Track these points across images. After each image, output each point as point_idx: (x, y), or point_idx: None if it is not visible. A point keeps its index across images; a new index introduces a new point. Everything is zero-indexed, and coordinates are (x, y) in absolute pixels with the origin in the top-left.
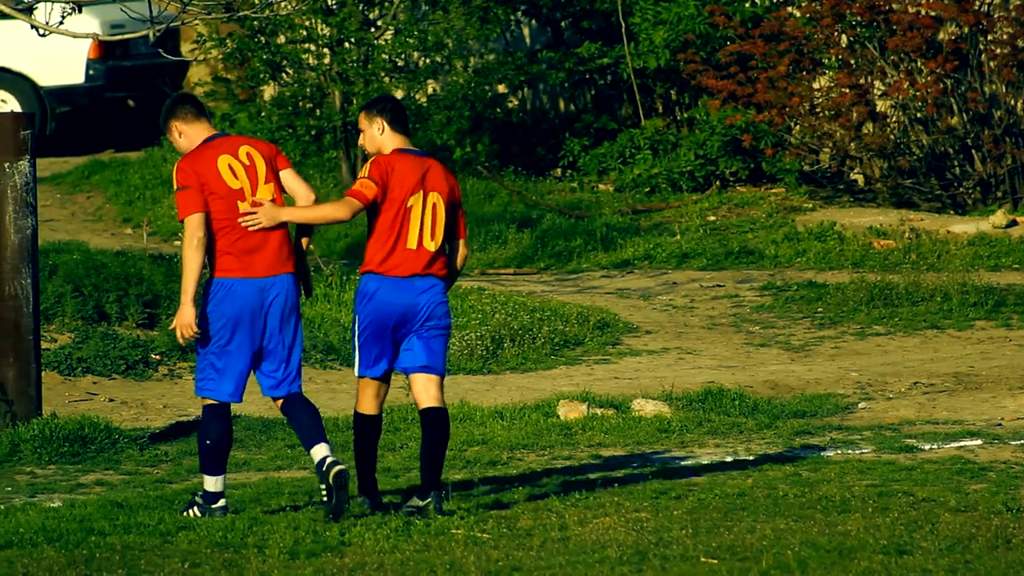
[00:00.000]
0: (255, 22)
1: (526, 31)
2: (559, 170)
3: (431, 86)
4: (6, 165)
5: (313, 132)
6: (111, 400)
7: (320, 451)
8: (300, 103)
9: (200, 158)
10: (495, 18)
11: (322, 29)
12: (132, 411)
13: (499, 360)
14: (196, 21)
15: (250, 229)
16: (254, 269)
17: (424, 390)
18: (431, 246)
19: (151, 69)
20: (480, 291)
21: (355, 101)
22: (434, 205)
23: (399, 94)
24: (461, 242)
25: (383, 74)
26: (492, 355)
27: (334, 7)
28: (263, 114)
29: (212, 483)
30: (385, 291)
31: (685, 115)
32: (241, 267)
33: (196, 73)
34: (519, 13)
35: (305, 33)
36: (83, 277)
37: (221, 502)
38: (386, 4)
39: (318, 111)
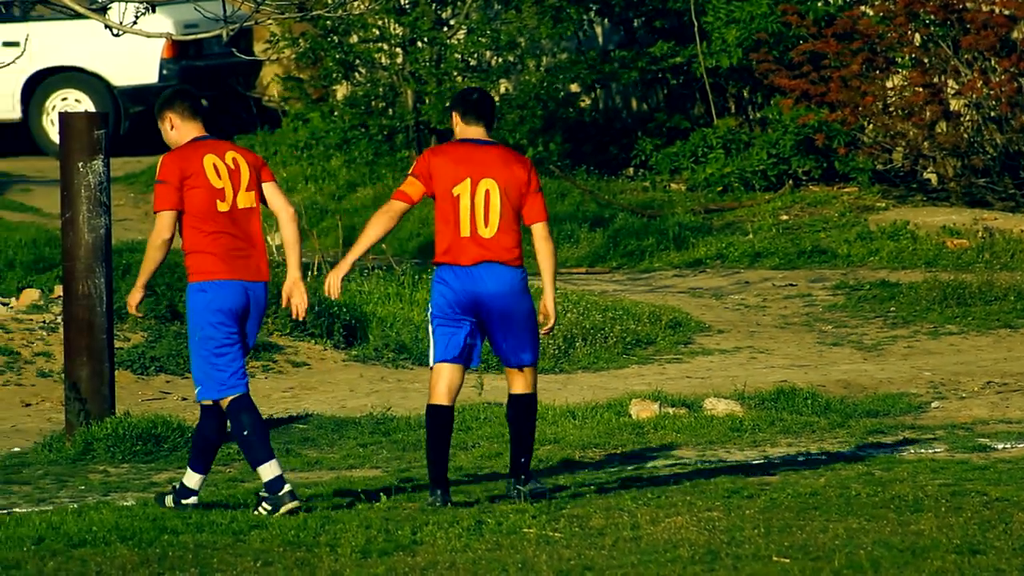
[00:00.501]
0: (328, 21)
1: (598, 30)
2: (631, 169)
3: (503, 85)
4: (80, 164)
5: (385, 132)
6: (183, 399)
7: (269, 471)
8: (373, 102)
9: (186, 154)
10: (568, 17)
11: (395, 28)
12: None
13: (571, 359)
14: (269, 21)
15: (333, 297)
16: (238, 272)
17: (509, 377)
18: (486, 233)
19: (224, 69)
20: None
21: (427, 100)
22: (487, 192)
23: None
24: (535, 228)
25: (455, 73)
26: (564, 354)
27: (407, 6)
28: (336, 113)
29: (195, 480)
30: (449, 280)
31: (758, 114)
32: (227, 269)
33: (269, 72)
34: (592, 12)
35: (378, 32)
36: (156, 276)
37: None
38: (459, 3)
39: (391, 110)
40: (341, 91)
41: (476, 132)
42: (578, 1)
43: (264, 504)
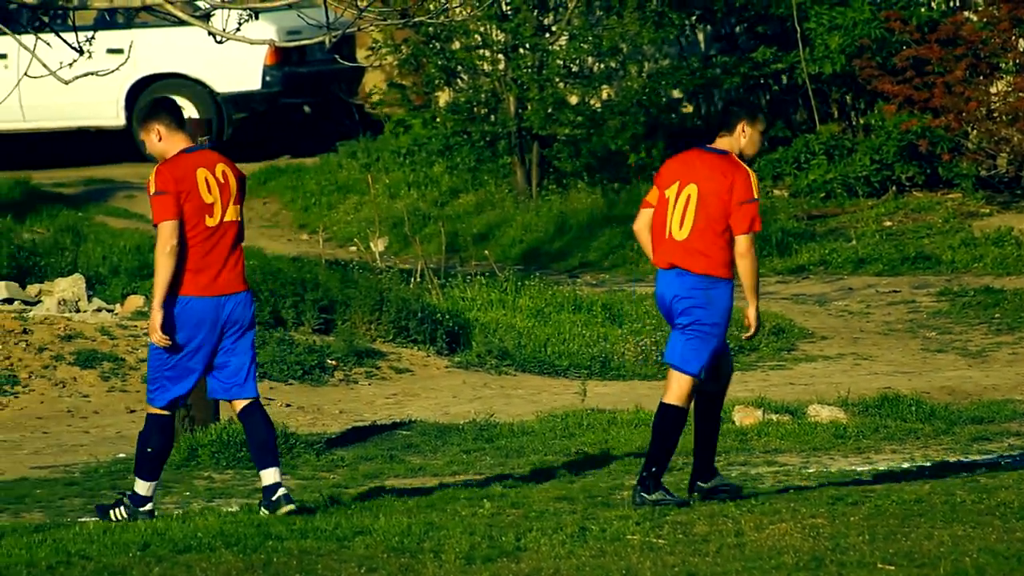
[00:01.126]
0: (430, 28)
1: (700, 36)
2: None
3: (605, 91)
4: None
5: (487, 138)
6: (287, 405)
7: (269, 476)
8: (475, 109)
9: (180, 165)
10: (670, 23)
11: (497, 35)
12: (308, 416)
13: None
14: (372, 27)
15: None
16: (216, 287)
17: (666, 383)
18: (679, 235)
19: (327, 75)
20: (654, 296)
21: (529, 106)
22: (688, 196)
23: (573, 99)
24: (738, 239)
25: (557, 79)
26: None
27: (509, 13)
28: (438, 120)
29: (145, 488)
30: (656, 283)
31: (861, 120)
32: (203, 285)
33: (371, 79)
34: (693, 18)
35: (480, 39)
36: (260, 283)
37: (148, 506)
38: (561, 9)
39: (492, 117)
40: (443, 97)
41: (725, 141)
42: (680, 7)
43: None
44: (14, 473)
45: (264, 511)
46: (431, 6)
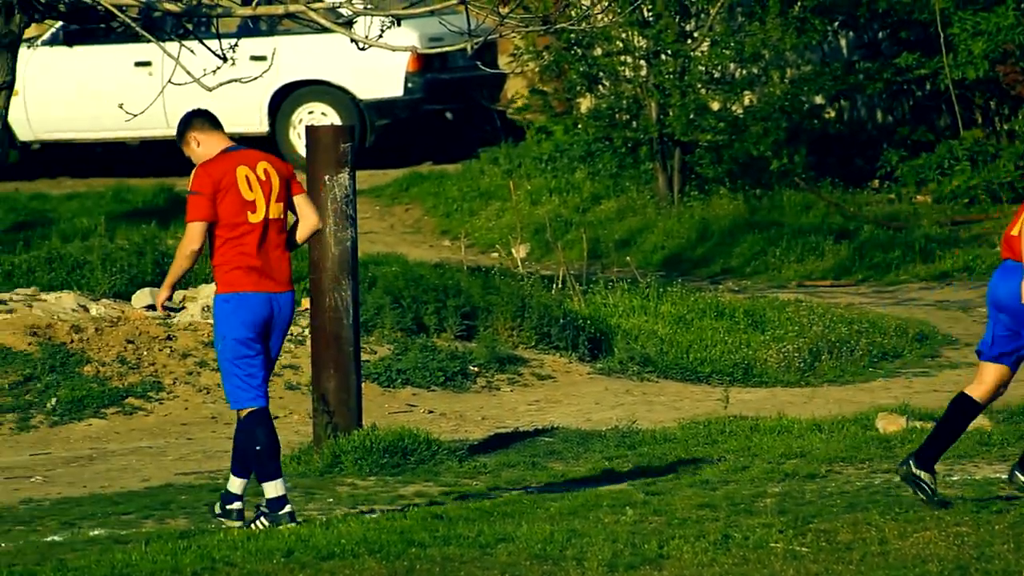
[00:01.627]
0: (572, 34)
1: (843, 42)
2: (876, 181)
3: (747, 97)
4: (326, 178)
5: (629, 144)
6: (430, 412)
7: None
8: (616, 115)
9: (220, 164)
10: (812, 28)
11: (638, 41)
12: (451, 423)
13: (816, 372)
14: (514, 34)
15: None
16: (264, 284)
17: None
18: (1014, 231)
19: (469, 82)
20: (798, 303)
21: (671, 112)
22: None
23: (715, 105)
24: None
25: (699, 85)
26: (810, 367)
27: (651, 19)
28: (579, 126)
29: (274, 489)
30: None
31: (1005, 126)
32: (253, 281)
33: (513, 85)
34: (835, 24)
35: (622, 45)
36: (402, 289)
37: (287, 507)
38: (703, 16)
39: (634, 123)
40: (585, 104)
41: None
42: (822, 12)
43: (263, 519)
44: (159, 479)
45: (260, 522)
46: (573, 12)
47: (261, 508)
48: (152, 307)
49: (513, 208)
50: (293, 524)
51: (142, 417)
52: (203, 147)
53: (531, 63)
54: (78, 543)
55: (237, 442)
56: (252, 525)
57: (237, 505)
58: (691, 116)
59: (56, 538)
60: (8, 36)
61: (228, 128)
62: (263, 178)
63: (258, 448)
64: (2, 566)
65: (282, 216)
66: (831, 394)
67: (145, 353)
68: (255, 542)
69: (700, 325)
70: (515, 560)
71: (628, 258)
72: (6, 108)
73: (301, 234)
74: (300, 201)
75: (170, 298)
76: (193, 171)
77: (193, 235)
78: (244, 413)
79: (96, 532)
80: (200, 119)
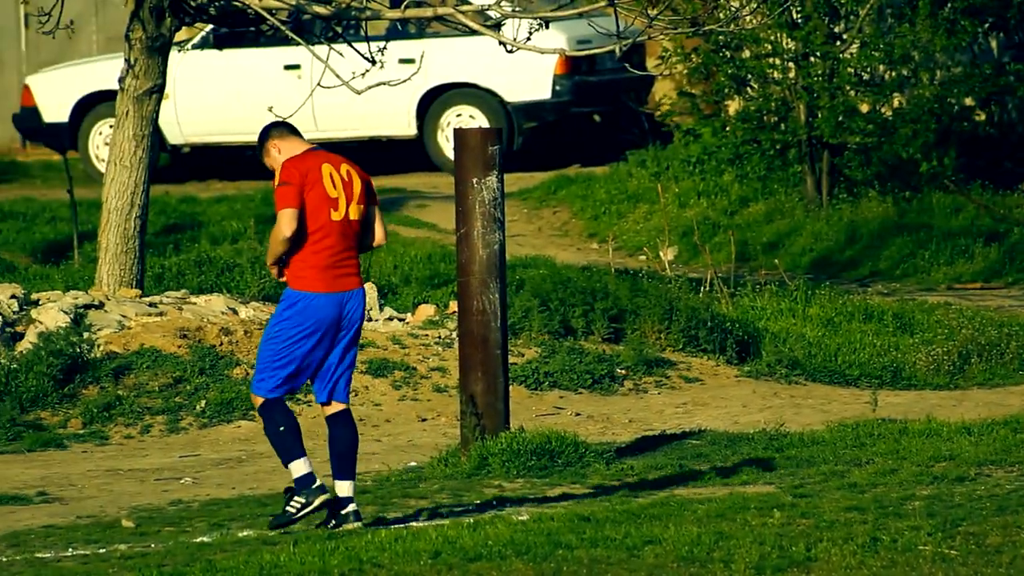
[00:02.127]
0: (720, 36)
1: (993, 43)
2: None
3: (896, 99)
4: (474, 180)
5: (778, 146)
6: (577, 414)
7: (343, 489)
8: (765, 117)
9: (306, 160)
10: (962, 30)
11: (787, 43)
12: (598, 425)
13: (966, 375)
14: (662, 36)
15: None
16: (336, 284)
17: None
18: None
19: (616, 84)
20: (947, 305)
21: (820, 115)
22: None
23: (864, 107)
24: None
25: (848, 87)
26: (959, 370)
27: (799, 21)
28: (727, 128)
29: (300, 467)
30: None
31: None
32: (326, 281)
33: (661, 88)
34: (986, 25)
35: (770, 47)
36: (550, 292)
37: (318, 482)
38: (852, 17)
39: (783, 125)
40: (733, 106)
41: None
42: (972, 14)
43: (296, 499)
44: None
45: (295, 502)
46: (722, 15)
47: (292, 489)
48: None
49: (661, 211)
50: (326, 496)
51: None
52: (283, 152)
53: (679, 65)
54: (227, 544)
55: (271, 442)
56: (287, 509)
57: (352, 507)
58: (840, 118)
59: (205, 539)
60: (159, 40)
61: (376, 131)
62: (346, 179)
63: (281, 429)
64: (152, 567)
65: (360, 218)
66: (980, 397)
67: None
68: (402, 543)
69: (848, 328)
70: (662, 562)
71: (776, 261)
72: (156, 112)
73: (366, 248)
74: (374, 214)
75: (280, 271)
76: (280, 166)
77: (284, 222)
78: (260, 401)
79: (245, 533)
80: (279, 128)
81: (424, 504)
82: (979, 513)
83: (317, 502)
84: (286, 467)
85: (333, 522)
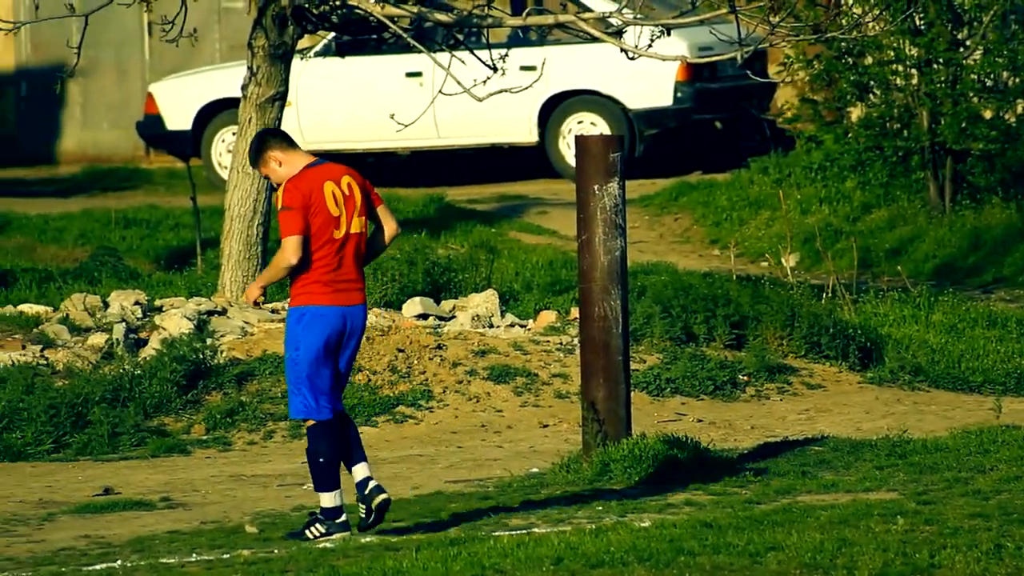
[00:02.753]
0: (843, 43)
1: None
2: None
3: (1020, 106)
4: (596, 187)
5: (900, 153)
6: (699, 420)
7: (361, 471)
8: (887, 124)
9: (307, 179)
10: None
11: (910, 50)
12: (720, 431)
13: None
14: (783, 43)
15: None
16: (339, 299)
17: None
18: None
19: (738, 91)
20: None
21: (943, 121)
22: None
23: (987, 114)
24: None
25: (971, 94)
26: None
27: (922, 27)
28: (850, 135)
29: (330, 499)
30: None
31: None
32: (329, 296)
33: (783, 95)
34: None
35: (893, 54)
36: (671, 298)
37: (343, 517)
38: (975, 24)
39: (905, 132)
40: (855, 113)
41: None
42: None
43: (317, 526)
44: (430, 487)
45: (360, 505)
46: (844, 21)
47: (316, 515)
48: (424, 316)
49: (783, 217)
50: (346, 534)
51: (412, 425)
52: (285, 166)
53: (801, 72)
54: (349, 550)
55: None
56: (306, 531)
57: (373, 481)
58: (963, 125)
59: (328, 545)
60: (281, 47)
61: (497, 138)
62: (347, 193)
63: (321, 460)
64: (275, 572)
65: (363, 230)
66: None
67: (416, 362)
68: (524, 549)
69: (972, 334)
70: (785, 569)
71: (899, 267)
72: (279, 119)
73: (387, 239)
74: (382, 211)
75: (264, 295)
76: (281, 188)
77: (290, 251)
78: (310, 424)
79: (367, 539)
80: (276, 138)
81: (546, 510)
82: None
83: (336, 537)
84: (317, 492)
85: (373, 515)
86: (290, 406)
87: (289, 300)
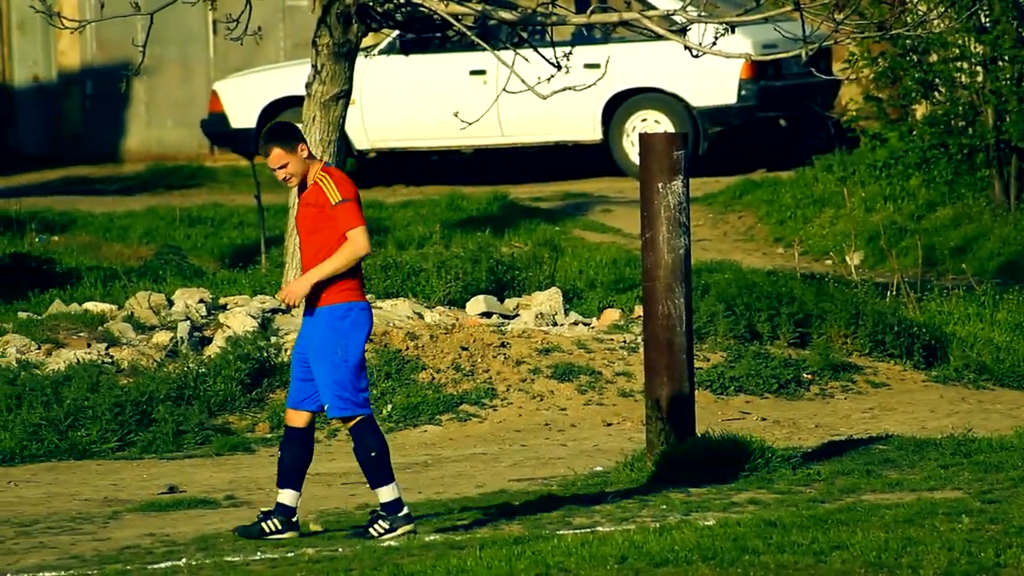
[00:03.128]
0: (908, 40)
1: None
2: None
3: None
4: (660, 185)
5: (965, 151)
6: (763, 419)
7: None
8: (952, 121)
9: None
10: None
11: (975, 47)
12: (784, 430)
13: None
14: (848, 40)
15: None
16: (364, 295)
17: None
18: None
19: (802, 89)
20: None
21: (1008, 119)
22: None
23: None
24: None
25: None
26: None
27: (987, 25)
28: (914, 133)
29: (389, 492)
30: None
31: None
32: (361, 293)
33: (847, 92)
34: None
35: (958, 51)
36: (735, 296)
37: (405, 509)
38: None
39: (970, 129)
40: (920, 110)
41: None
42: None
43: (380, 523)
44: (493, 485)
45: (378, 527)
46: (909, 19)
47: (378, 512)
48: (488, 314)
49: (847, 215)
50: (410, 526)
51: (476, 424)
52: (309, 157)
53: (866, 70)
54: (413, 548)
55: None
56: (370, 529)
57: (405, 510)
58: None
59: (392, 543)
60: (346, 45)
61: (562, 136)
62: None
63: (373, 455)
64: (340, 571)
65: None
66: None
67: (479, 360)
68: (589, 548)
69: None
70: (849, 568)
71: (963, 265)
72: (343, 117)
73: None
74: None
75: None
76: (331, 179)
77: (365, 240)
78: (354, 423)
79: (431, 537)
80: (298, 131)
81: (610, 509)
82: None
83: (401, 531)
84: (374, 489)
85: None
86: (331, 406)
87: (323, 299)
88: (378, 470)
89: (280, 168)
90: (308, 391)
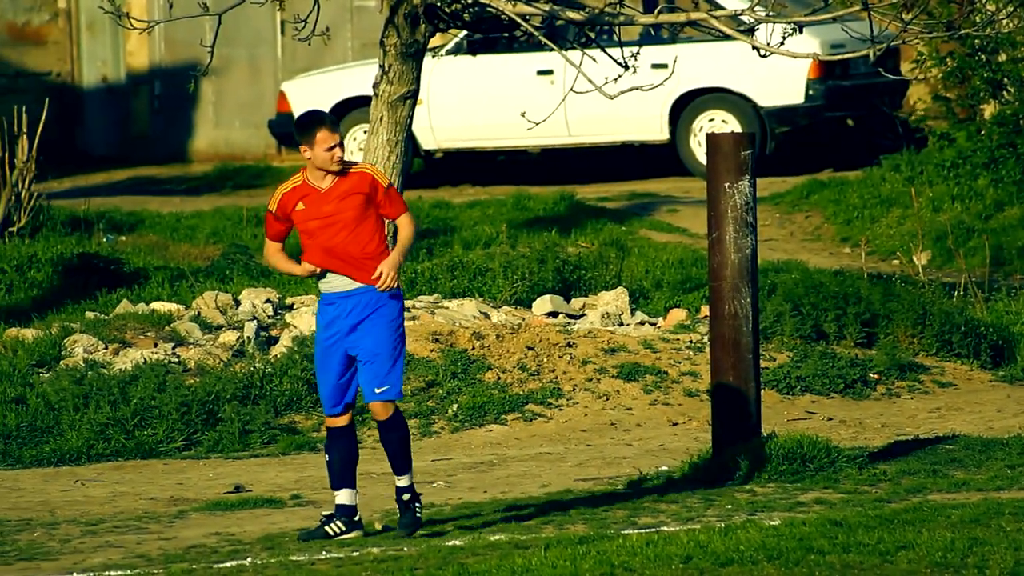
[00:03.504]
0: (976, 40)
1: None
2: None
3: None
4: (726, 185)
5: None
6: (829, 419)
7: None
8: (1021, 121)
9: None
10: None
11: None
12: (850, 430)
13: None
14: (916, 40)
15: None
16: None
17: None
18: None
19: (870, 89)
20: None
21: None
22: None
23: None
24: None
25: None
26: None
27: None
28: (983, 132)
29: (408, 479)
30: None
31: None
32: None
33: (916, 92)
34: None
35: None
36: (801, 296)
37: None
38: None
39: None
40: (988, 110)
41: None
42: None
43: (418, 506)
44: (559, 485)
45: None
46: (977, 18)
47: (416, 496)
48: (555, 314)
49: (914, 215)
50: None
51: (542, 423)
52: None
53: (934, 69)
54: (478, 547)
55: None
56: (415, 519)
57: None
58: None
59: (457, 542)
60: (413, 46)
61: (629, 136)
62: None
63: (405, 439)
64: (404, 570)
65: None
66: None
67: (545, 360)
68: (653, 548)
69: None
70: (915, 568)
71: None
72: (410, 117)
73: None
74: None
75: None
76: (372, 169)
77: (415, 221)
78: (395, 409)
79: (496, 537)
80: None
81: (675, 508)
82: None
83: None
84: (404, 474)
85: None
86: (395, 388)
87: (394, 281)
88: (408, 456)
89: (339, 146)
90: (344, 387)
